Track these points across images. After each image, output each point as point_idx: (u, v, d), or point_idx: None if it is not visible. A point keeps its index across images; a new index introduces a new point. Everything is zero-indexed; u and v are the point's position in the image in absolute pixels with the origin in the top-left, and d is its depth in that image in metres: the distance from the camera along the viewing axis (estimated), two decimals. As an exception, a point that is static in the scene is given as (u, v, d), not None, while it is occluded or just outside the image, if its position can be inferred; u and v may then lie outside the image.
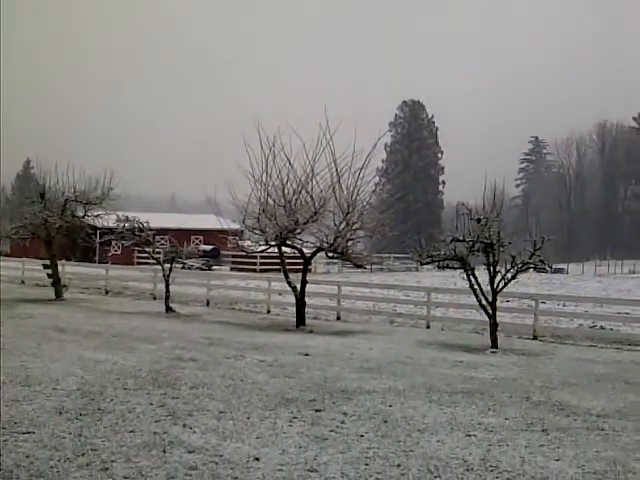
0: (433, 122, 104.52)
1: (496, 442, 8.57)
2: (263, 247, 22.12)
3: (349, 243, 21.39)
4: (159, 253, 26.43)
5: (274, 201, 20.84)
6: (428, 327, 21.80)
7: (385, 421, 9.45)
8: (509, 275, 17.53)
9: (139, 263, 45.41)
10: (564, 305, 26.13)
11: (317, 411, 9.89)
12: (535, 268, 19.22)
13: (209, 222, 37.08)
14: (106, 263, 41.81)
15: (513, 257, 17.52)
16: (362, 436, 8.67)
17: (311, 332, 19.75)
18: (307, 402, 10.42)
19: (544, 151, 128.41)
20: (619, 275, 65.37)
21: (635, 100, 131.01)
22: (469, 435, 8.87)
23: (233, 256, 47.75)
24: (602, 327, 21.13)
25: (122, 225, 24.86)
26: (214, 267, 48.01)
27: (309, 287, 22.27)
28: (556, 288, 38.79)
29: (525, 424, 9.56)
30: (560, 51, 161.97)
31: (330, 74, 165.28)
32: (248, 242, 23.61)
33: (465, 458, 7.84)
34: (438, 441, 8.54)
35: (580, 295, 31.63)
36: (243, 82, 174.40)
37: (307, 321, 21.21)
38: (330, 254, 21.93)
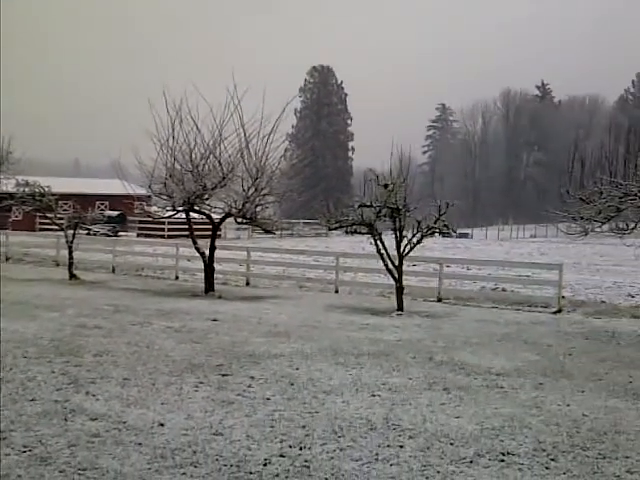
0: (342, 88, 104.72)
1: (399, 401, 8.76)
2: (170, 213, 21.82)
3: (258, 209, 21.30)
4: (62, 219, 25.67)
5: (181, 166, 20.50)
6: (337, 291, 22.02)
7: (292, 384, 9.53)
8: (415, 240, 17.85)
9: (42, 229, 43.98)
10: (468, 268, 26.81)
11: (224, 376, 9.88)
12: (440, 233, 19.62)
13: (115, 187, 36.10)
14: (6, 229, 40.36)
15: (419, 222, 17.83)
16: (268, 399, 8.72)
17: (220, 298, 19.66)
18: (214, 367, 10.40)
19: (450, 118, 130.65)
20: (521, 239, 67.48)
21: (538, 69, 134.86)
22: (373, 395, 9.04)
23: (140, 222, 46.96)
24: (504, 289, 21.79)
25: (22, 190, 24.02)
26: (120, 233, 47.04)
27: (218, 253, 22.13)
28: (460, 252, 39.77)
29: (427, 383, 9.81)
30: (465, 19, 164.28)
31: (238, 39, 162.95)
32: (155, 208, 23.19)
33: (369, 418, 7.99)
34: (343, 402, 8.67)
35: (483, 259, 32.51)
36: (149, 46, 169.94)
37: (216, 287, 21.10)
38: (239, 220, 21.80)
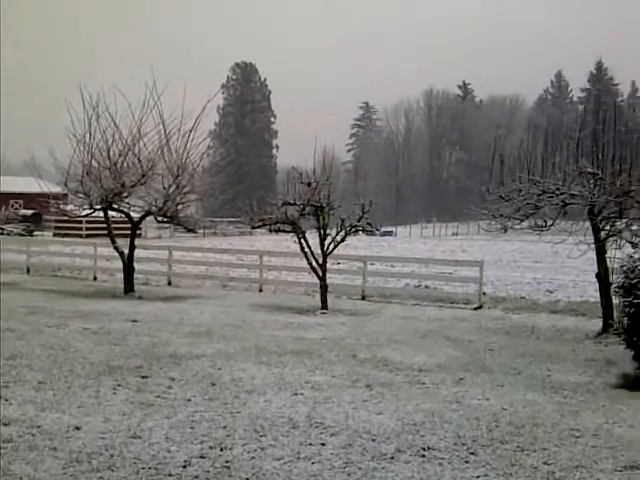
0: (266, 85, 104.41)
1: (322, 399, 8.72)
2: (88, 211, 21.26)
3: (179, 207, 20.97)
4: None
5: (99, 163, 20.02)
6: (261, 290, 21.89)
7: (213, 384, 9.38)
8: (339, 238, 17.88)
9: (-47, 229, 42.44)
10: (392, 266, 27.06)
11: (143, 377, 9.66)
12: (364, 231, 19.72)
13: (29, 185, 35.15)
14: None
15: (342, 220, 17.86)
16: (189, 400, 8.56)
17: (140, 298, 19.29)
18: (133, 369, 10.15)
19: (374, 117, 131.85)
20: (444, 237, 68.63)
21: (459, 69, 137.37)
22: (296, 394, 8.97)
23: (56, 221, 45.63)
24: (427, 286, 22.05)
25: None
26: (36, 233, 45.68)
27: (139, 252, 21.73)
28: (384, 250, 40.14)
29: (350, 381, 9.81)
30: (386, 18, 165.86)
31: (158, 34, 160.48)
32: (72, 206, 22.54)
33: (291, 416, 7.92)
34: (265, 401, 8.58)
35: (406, 256, 32.88)
36: (67, 40, 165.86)
37: (136, 287, 20.70)
38: (160, 218, 21.43)
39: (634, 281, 9.98)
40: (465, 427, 7.70)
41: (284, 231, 18.50)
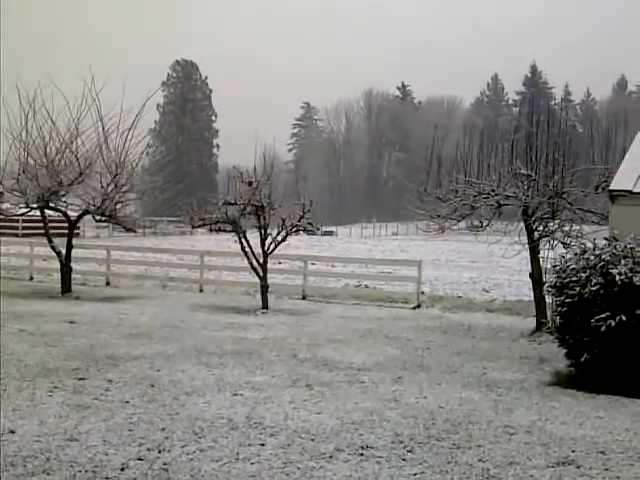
0: (207, 83, 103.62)
1: (262, 400, 8.75)
2: (24, 210, 20.84)
3: (118, 206, 20.69)
4: None
5: (35, 161, 19.64)
6: (201, 290, 21.77)
7: (152, 386, 9.32)
8: (279, 237, 17.91)
9: None
10: (332, 266, 27.19)
11: (80, 379, 9.54)
12: (304, 230, 19.79)
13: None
14: None
15: (283, 220, 17.89)
16: (127, 402, 8.48)
17: (78, 299, 19.00)
18: (70, 371, 10.02)
19: (315, 117, 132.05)
20: (384, 237, 69.19)
21: (398, 70, 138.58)
22: (236, 395, 8.98)
23: (-8, 219, 44.53)
24: (366, 286, 22.24)
25: None
26: (-29, 232, 44.51)
27: (77, 252, 21.39)
28: (325, 250, 40.28)
29: (291, 381, 9.85)
30: (327, 18, 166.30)
31: (95, 29, 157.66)
32: (7, 205, 22.07)
33: (231, 417, 7.93)
34: (205, 402, 8.57)
35: (347, 256, 33.08)
36: (2, 36, 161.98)
37: (74, 287, 20.37)
38: (98, 217, 21.12)
39: (566, 281, 10.25)
40: (403, 425, 7.82)
41: (225, 231, 18.45)
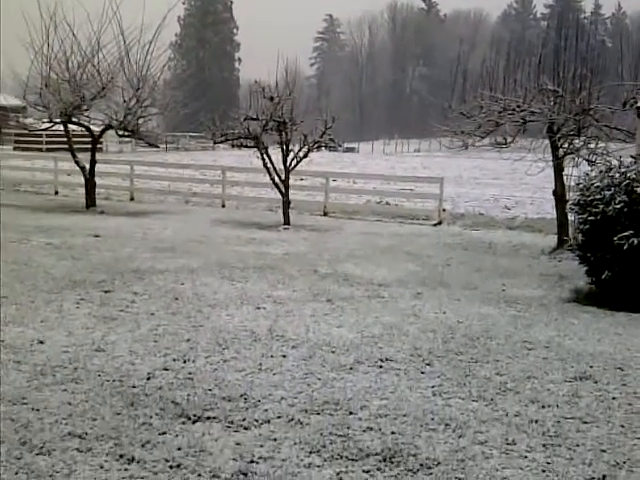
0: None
1: (283, 313, 8.90)
2: (47, 125, 20.88)
3: (140, 120, 20.67)
4: None
5: (57, 75, 19.54)
6: (223, 206, 21.90)
7: (176, 298, 9.50)
8: (301, 154, 17.85)
9: None
10: (354, 182, 27.15)
11: (106, 292, 9.73)
12: (326, 146, 19.70)
13: (-13, 98, 34.18)
14: None
15: (305, 136, 17.79)
16: (152, 314, 8.67)
17: (102, 213, 19.20)
18: (96, 283, 10.21)
19: (338, 30, 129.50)
20: (406, 153, 68.72)
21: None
22: (258, 308, 9.14)
23: (16, 135, 44.66)
24: (388, 203, 22.25)
25: None
26: (-5, 146, 44.75)
27: (101, 167, 21.50)
28: (347, 166, 40.12)
29: (312, 295, 9.99)
30: None
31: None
32: (31, 119, 22.11)
33: (253, 329, 8.10)
34: (228, 315, 8.73)
35: (369, 173, 32.97)
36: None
37: (98, 202, 20.57)
38: (120, 132, 21.12)
39: (589, 198, 10.19)
40: (422, 339, 7.95)
41: (247, 146, 18.39)
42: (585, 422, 5.78)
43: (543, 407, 6.06)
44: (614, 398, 6.34)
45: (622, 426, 5.72)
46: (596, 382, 6.75)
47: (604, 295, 10.17)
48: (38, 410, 5.67)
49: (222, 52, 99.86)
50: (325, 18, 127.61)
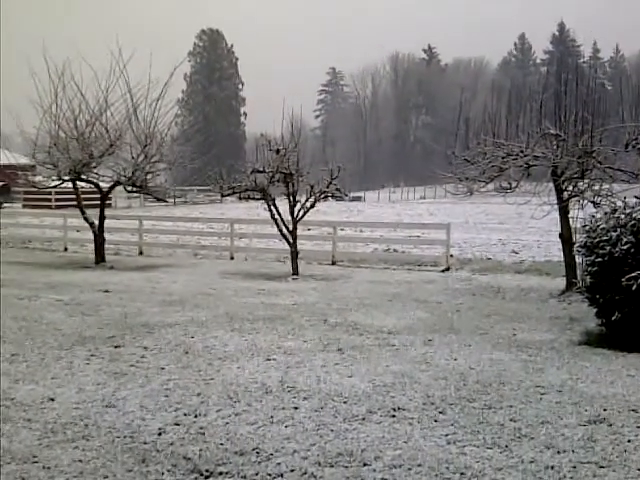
0: (233, 52, 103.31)
1: (294, 364, 8.87)
2: (56, 182, 21.13)
3: (149, 176, 20.91)
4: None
5: (66, 134, 19.84)
6: (232, 258, 21.97)
7: (186, 352, 9.49)
8: (308, 204, 17.97)
9: None
10: (361, 231, 27.23)
11: (116, 347, 9.73)
12: (333, 196, 19.82)
13: (-4, 157, 34.65)
14: None
15: (312, 186, 17.93)
16: (163, 368, 8.65)
17: (112, 268, 19.28)
18: (106, 339, 10.22)
19: (341, 82, 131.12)
20: (411, 201, 68.96)
21: (424, 32, 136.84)
22: (269, 359, 9.11)
23: (25, 192, 45.14)
24: (395, 250, 22.29)
25: None
26: (4, 205, 45.19)
27: (110, 222, 21.67)
28: (353, 215, 40.30)
29: (322, 345, 9.97)
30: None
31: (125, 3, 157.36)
32: (40, 177, 22.38)
33: (264, 382, 8.06)
34: (238, 367, 8.71)
35: (375, 221, 33.09)
36: (28, 8, 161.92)
37: (107, 257, 20.67)
38: (129, 188, 21.34)
39: (596, 240, 10.20)
40: (434, 387, 7.91)
41: (254, 198, 18.54)
42: (601, 467, 5.71)
43: (558, 452, 6.00)
44: (629, 441, 6.28)
45: (639, 469, 5.65)
46: (611, 425, 6.68)
47: (615, 336, 10.11)
48: (49, 468, 5.65)
49: (228, 107, 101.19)
50: (328, 71, 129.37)
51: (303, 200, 18.01)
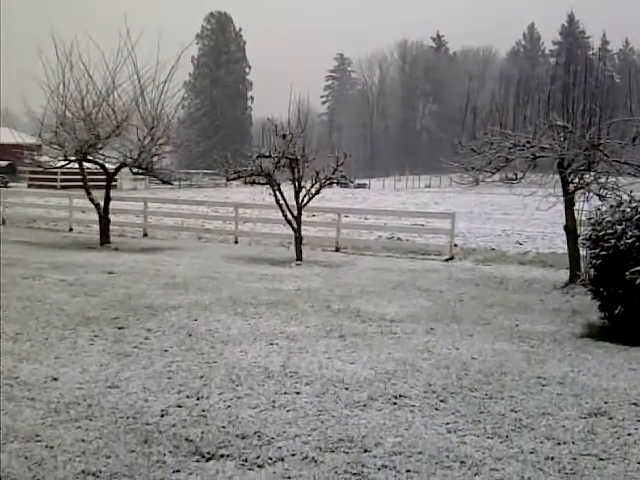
0: (241, 35, 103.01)
1: (296, 350, 8.91)
2: (62, 163, 21.13)
3: (154, 158, 20.88)
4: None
5: (73, 114, 19.82)
6: (236, 242, 21.99)
7: (190, 335, 9.53)
8: (313, 190, 17.96)
9: None
10: (365, 218, 27.22)
11: (120, 328, 9.77)
12: (338, 183, 19.82)
13: (3, 136, 34.73)
14: None
15: (317, 172, 17.91)
16: (166, 351, 8.69)
17: (116, 250, 19.31)
18: (110, 320, 10.26)
19: (349, 69, 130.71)
20: (417, 189, 68.86)
21: (433, 19, 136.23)
22: (271, 344, 9.15)
23: (31, 172, 45.18)
24: (399, 238, 22.28)
25: None
26: (10, 184, 45.27)
27: (115, 204, 21.69)
28: (358, 202, 40.28)
29: (325, 331, 10.00)
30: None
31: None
32: (46, 157, 22.38)
33: (266, 366, 8.10)
34: (241, 351, 8.75)
35: (380, 208, 33.07)
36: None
37: (112, 239, 20.70)
38: (135, 170, 21.34)
39: (601, 233, 10.20)
40: (435, 376, 7.93)
41: (259, 183, 18.53)
42: (601, 459, 5.74)
43: (559, 444, 6.02)
44: (630, 434, 6.30)
45: (639, 463, 5.67)
46: (611, 418, 6.70)
47: (617, 330, 10.12)
48: (52, 447, 5.69)
49: (235, 91, 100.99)
50: (336, 57, 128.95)
51: (308, 186, 18.00)
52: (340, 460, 5.55)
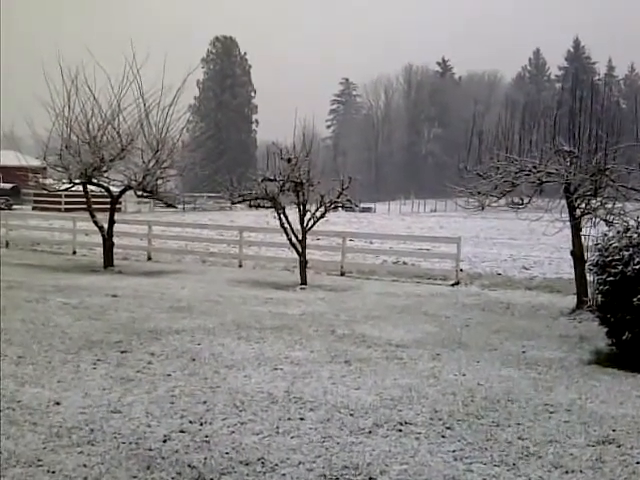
0: (246, 60, 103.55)
1: (301, 375, 8.83)
2: (67, 185, 21.16)
3: (159, 182, 20.90)
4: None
5: (78, 137, 19.89)
6: (240, 266, 21.94)
7: (193, 359, 9.46)
8: (318, 214, 17.94)
9: None
10: (370, 242, 27.17)
11: (123, 352, 9.71)
12: (343, 207, 19.78)
13: (8, 159, 34.87)
14: None
15: (322, 196, 17.90)
16: (169, 375, 8.62)
17: (120, 273, 19.28)
18: (113, 344, 10.20)
19: (354, 93, 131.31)
20: (422, 214, 68.83)
21: (439, 44, 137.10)
22: (275, 369, 9.07)
23: (35, 195, 45.33)
24: (404, 263, 22.21)
25: None
26: (15, 206, 45.37)
27: (119, 227, 21.69)
28: (363, 226, 40.21)
29: (329, 356, 9.92)
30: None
31: (137, 7, 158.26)
32: (51, 180, 22.43)
33: (270, 391, 8.02)
34: (245, 376, 8.67)
35: (385, 233, 33.02)
36: (43, 10, 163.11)
37: (116, 262, 20.67)
38: (139, 193, 21.36)
39: (608, 259, 10.13)
40: (441, 402, 7.84)
41: (264, 207, 18.52)
42: (611, 489, 5.64)
43: (567, 472, 5.93)
44: (638, 462, 6.21)
45: (649, 493, 5.58)
46: (619, 446, 6.61)
47: (625, 356, 10.02)
48: (54, 472, 5.62)
49: (240, 115, 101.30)
50: (341, 81, 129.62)
51: (313, 209, 17.98)
52: (345, 488, 5.46)
